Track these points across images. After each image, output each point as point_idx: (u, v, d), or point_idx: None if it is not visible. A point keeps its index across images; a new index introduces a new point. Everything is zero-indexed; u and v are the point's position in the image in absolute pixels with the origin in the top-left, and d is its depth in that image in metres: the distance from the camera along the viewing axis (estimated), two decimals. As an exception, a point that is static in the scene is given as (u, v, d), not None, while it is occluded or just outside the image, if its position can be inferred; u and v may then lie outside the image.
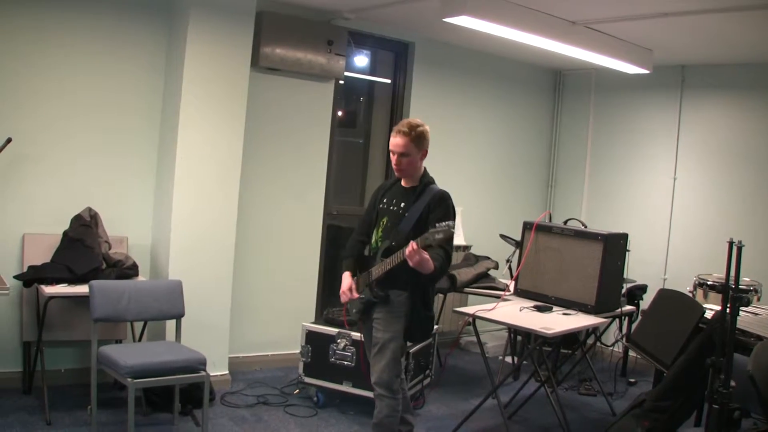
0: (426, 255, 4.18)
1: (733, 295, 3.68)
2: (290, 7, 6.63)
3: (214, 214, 6.18)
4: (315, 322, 6.25)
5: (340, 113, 7.57)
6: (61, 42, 5.81)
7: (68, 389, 5.73)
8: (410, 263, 4.18)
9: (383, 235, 4.60)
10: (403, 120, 4.64)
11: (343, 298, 4.70)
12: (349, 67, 7.38)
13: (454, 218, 4.44)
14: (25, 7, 5.64)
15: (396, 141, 4.49)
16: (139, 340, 5.88)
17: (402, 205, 4.56)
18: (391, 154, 4.56)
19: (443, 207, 4.47)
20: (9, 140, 5.41)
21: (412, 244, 4.13)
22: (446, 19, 5.71)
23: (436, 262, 4.26)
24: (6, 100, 5.63)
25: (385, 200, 4.69)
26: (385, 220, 4.62)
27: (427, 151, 4.59)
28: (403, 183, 4.67)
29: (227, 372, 6.36)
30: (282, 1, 6.53)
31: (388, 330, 4.50)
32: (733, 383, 3.64)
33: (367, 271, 4.62)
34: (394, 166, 4.58)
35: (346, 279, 4.71)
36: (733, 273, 3.72)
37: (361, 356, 5.31)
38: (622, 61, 6.81)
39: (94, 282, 5.14)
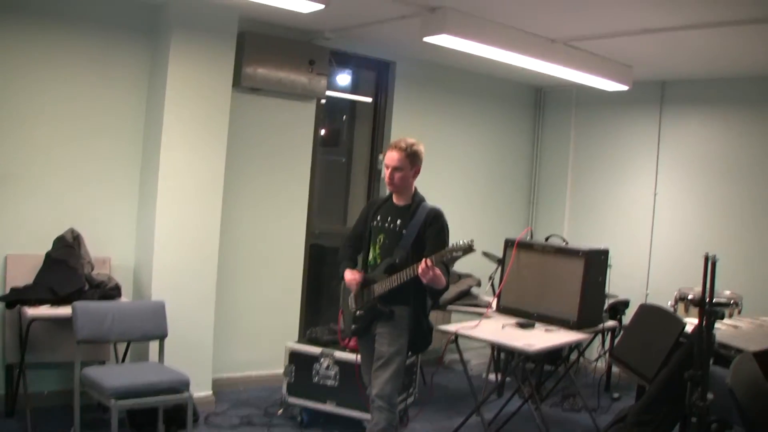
0: (438, 271, 4.27)
1: (709, 309, 3.72)
2: (272, 27, 6.66)
3: (196, 234, 6.18)
4: (298, 342, 6.26)
5: (322, 132, 7.60)
6: (43, 64, 5.82)
7: (51, 411, 5.68)
8: (424, 280, 4.27)
9: (382, 252, 4.67)
10: (401, 137, 4.73)
11: (353, 285, 4.72)
12: (331, 86, 7.41)
13: (448, 234, 4.60)
14: (7, 29, 5.65)
15: (391, 155, 4.61)
16: (122, 361, 5.88)
17: (398, 222, 4.65)
18: (384, 168, 4.68)
19: (438, 224, 4.59)
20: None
21: (426, 262, 4.23)
22: (426, 39, 5.76)
23: (445, 277, 4.37)
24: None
25: (378, 218, 4.76)
26: (381, 237, 4.70)
27: (419, 169, 4.70)
28: (395, 200, 4.75)
29: (211, 392, 6.34)
30: (263, 21, 6.56)
31: (393, 344, 4.55)
32: (711, 396, 3.67)
33: (366, 287, 4.66)
34: (386, 180, 4.67)
35: (349, 272, 4.77)
36: (708, 287, 3.76)
37: (357, 373, 5.31)
38: (602, 78, 6.87)
39: (77, 303, 5.15)
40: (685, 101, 7.78)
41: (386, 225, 4.70)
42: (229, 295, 6.64)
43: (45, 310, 5.30)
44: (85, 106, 6.02)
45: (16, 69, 5.73)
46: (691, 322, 5.14)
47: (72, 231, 5.82)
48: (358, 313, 4.73)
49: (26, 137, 5.79)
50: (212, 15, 6.09)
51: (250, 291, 6.93)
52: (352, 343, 5.57)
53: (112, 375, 4.92)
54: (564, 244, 6.18)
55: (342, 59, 7.46)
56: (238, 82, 6.43)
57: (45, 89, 5.84)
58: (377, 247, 4.72)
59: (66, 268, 5.61)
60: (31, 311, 5.25)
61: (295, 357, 6.08)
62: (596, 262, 5.98)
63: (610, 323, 6.38)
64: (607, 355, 7.12)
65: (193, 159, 6.13)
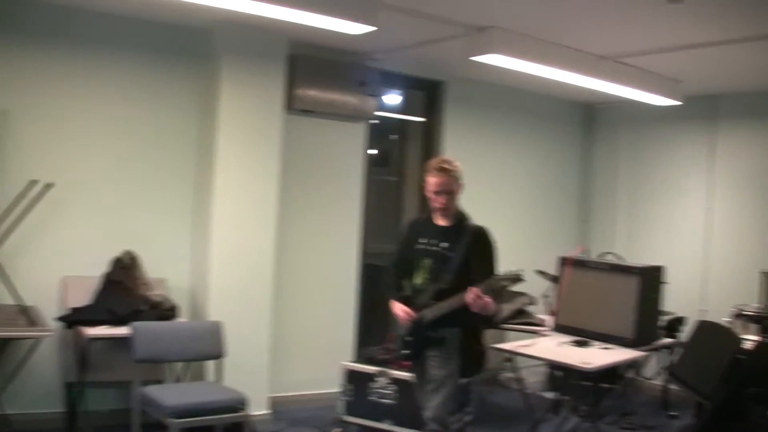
0: (487, 299, 4.25)
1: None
2: (321, 50, 6.72)
3: (251, 254, 6.26)
4: (354, 361, 6.28)
5: (373, 152, 7.64)
6: (99, 89, 5.97)
7: (110, 430, 5.77)
8: (473, 309, 4.26)
9: (430, 276, 4.59)
10: (435, 159, 4.71)
11: (405, 320, 4.65)
12: (381, 107, 7.46)
13: (496, 252, 4.54)
14: (63, 55, 5.81)
15: (440, 180, 4.53)
16: (180, 380, 5.94)
17: (444, 245, 4.56)
18: (431, 194, 4.59)
19: (486, 245, 4.54)
20: (49, 185, 5.54)
21: (475, 291, 4.22)
22: (473, 58, 5.78)
23: (496, 302, 4.36)
24: (46, 146, 5.78)
25: (423, 240, 4.67)
26: (428, 260, 4.61)
27: (460, 187, 4.65)
28: (438, 221, 4.67)
29: (268, 411, 6.38)
30: (313, 43, 6.62)
31: (445, 367, 4.52)
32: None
33: (417, 311, 4.61)
34: (438, 205, 4.59)
35: (399, 306, 4.70)
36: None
37: (414, 393, 5.30)
38: (652, 93, 6.84)
39: (135, 323, 5.24)
40: (738, 115, 7.69)
41: (432, 248, 4.61)
42: (284, 314, 6.68)
43: (103, 330, 5.39)
44: (140, 130, 6.16)
45: (74, 94, 5.89)
46: (749, 339, 5.09)
47: (129, 252, 5.92)
48: (408, 338, 4.70)
49: (83, 161, 5.93)
50: (262, 39, 6.18)
51: (305, 310, 6.96)
52: (407, 362, 5.56)
53: (170, 394, 4.98)
54: (618, 261, 6.14)
55: (392, 80, 7.49)
56: (289, 104, 6.51)
57: (101, 114, 5.99)
58: (424, 270, 4.63)
59: (123, 289, 5.72)
60: (90, 331, 5.34)
61: (351, 376, 6.10)
62: (651, 279, 5.93)
63: (666, 340, 6.31)
64: (665, 372, 7.03)
65: (247, 181, 6.21)
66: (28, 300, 5.47)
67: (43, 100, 5.78)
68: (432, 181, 4.57)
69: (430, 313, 4.51)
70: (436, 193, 4.56)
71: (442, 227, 4.65)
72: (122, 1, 5.59)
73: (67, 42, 5.83)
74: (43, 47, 5.75)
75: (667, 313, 6.79)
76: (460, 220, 4.63)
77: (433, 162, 4.66)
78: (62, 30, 5.81)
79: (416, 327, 4.61)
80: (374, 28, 5.12)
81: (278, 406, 6.61)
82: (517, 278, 4.23)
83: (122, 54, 6.05)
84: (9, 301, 5.44)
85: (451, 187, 4.55)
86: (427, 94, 7.94)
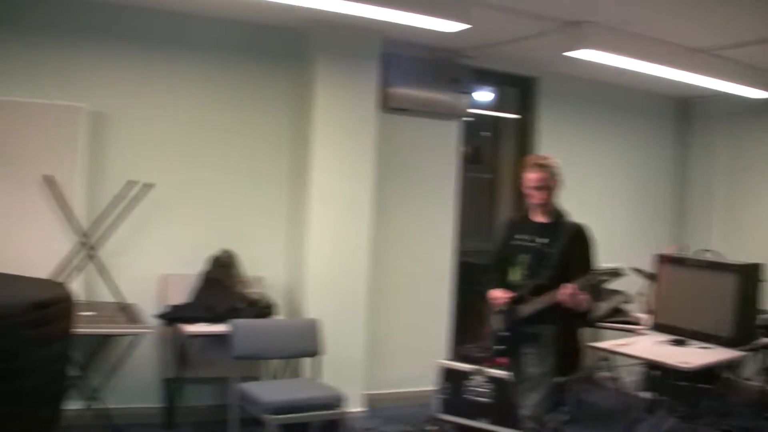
0: (583, 296, 4.25)
1: None
2: (414, 48, 6.73)
3: (347, 252, 6.32)
4: (449, 359, 6.28)
5: (466, 150, 7.61)
6: (194, 90, 6.12)
7: (208, 425, 5.89)
8: (567, 304, 4.26)
9: (528, 272, 4.59)
10: (532, 155, 4.71)
11: (500, 302, 4.66)
12: (474, 104, 7.44)
13: (594, 250, 4.52)
14: (158, 57, 5.99)
15: (534, 175, 4.55)
16: (276, 377, 6.02)
17: (542, 241, 4.56)
18: (529, 190, 4.60)
19: (584, 242, 4.52)
20: (149, 185, 5.71)
21: (570, 287, 4.22)
22: (567, 53, 5.73)
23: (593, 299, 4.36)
24: (144, 147, 5.94)
25: (520, 236, 4.69)
26: (526, 256, 4.61)
27: (559, 184, 4.64)
28: (536, 218, 4.67)
29: (363, 408, 6.43)
30: (406, 42, 6.63)
31: (541, 365, 4.52)
32: None
33: (511, 307, 4.62)
34: (536, 201, 4.60)
35: (497, 291, 4.69)
36: None
37: (503, 393, 5.29)
38: (748, 86, 6.68)
39: (234, 321, 5.34)
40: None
41: (530, 243, 4.62)
42: (379, 312, 6.71)
43: (202, 328, 5.51)
44: (235, 130, 6.28)
45: (170, 96, 6.06)
46: None
47: (226, 251, 6.03)
48: (503, 333, 4.69)
49: (179, 162, 6.08)
50: (355, 39, 6.22)
51: (400, 308, 6.98)
52: (504, 360, 5.54)
53: (268, 390, 5.07)
54: (716, 259, 6.01)
55: (485, 77, 7.47)
56: (383, 103, 6.54)
57: (197, 116, 6.14)
58: (521, 266, 4.63)
59: (221, 287, 5.84)
60: (189, 328, 5.47)
61: (447, 374, 6.10)
62: (750, 276, 5.80)
63: (765, 340, 6.16)
64: (764, 373, 6.86)
65: (343, 180, 6.28)
66: (128, 297, 5.64)
67: (140, 103, 5.94)
68: (529, 177, 4.58)
69: (527, 308, 4.51)
70: (534, 189, 4.57)
71: (540, 224, 4.64)
72: (218, 3, 5.68)
73: (161, 45, 5.98)
74: (139, 50, 5.91)
75: (767, 312, 6.63)
76: (558, 216, 4.62)
77: (531, 158, 4.70)
78: (158, 34, 5.97)
79: (511, 322, 4.61)
80: (469, 26, 5.12)
81: (373, 403, 6.64)
82: (616, 273, 4.20)
83: (218, 56, 6.18)
84: (110, 298, 5.61)
85: (548, 182, 4.55)
86: (520, 91, 7.89)
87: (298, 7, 4.95)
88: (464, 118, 7.29)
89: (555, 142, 7.57)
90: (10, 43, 5.53)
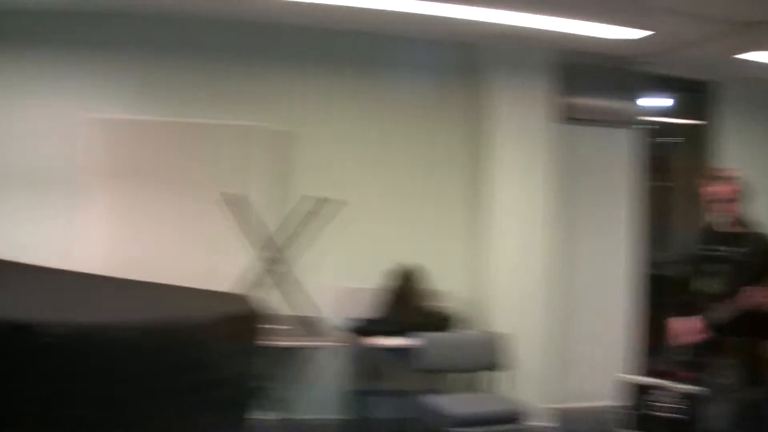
0: None
1: None
2: (586, 57, 6.63)
3: (530, 266, 6.34)
4: (635, 373, 6.13)
5: (647, 158, 7.43)
6: (374, 108, 6.32)
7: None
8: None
9: (721, 282, 4.47)
10: (713, 169, 4.63)
11: (685, 339, 4.62)
12: (652, 111, 7.28)
13: None
14: (337, 77, 6.21)
15: (722, 188, 4.50)
16: (458, 391, 6.05)
17: (736, 250, 4.47)
18: (715, 203, 4.54)
19: None
20: (340, 202, 5.90)
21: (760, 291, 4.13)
22: (737, 56, 5.52)
23: None
24: (327, 165, 6.17)
25: (711, 246, 4.60)
26: (716, 266, 4.52)
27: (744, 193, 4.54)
28: (727, 228, 4.55)
29: (548, 423, 6.38)
30: (579, 51, 6.56)
31: (731, 377, 4.42)
32: None
33: (706, 318, 4.50)
34: (729, 213, 4.52)
35: (685, 321, 4.62)
36: None
37: (695, 408, 5.13)
38: None
39: (420, 334, 5.41)
40: None
41: (723, 254, 4.52)
42: (562, 325, 6.65)
43: (387, 340, 5.63)
44: (415, 146, 6.42)
45: (350, 115, 6.28)
46: None
47: (409, 265, 6.14)
48: (690, 345, 4.59)
49: (362, 179, 6.27)
50: (528, 51, 6.23)
51: (582, 321, 6.87)
52: (691, 374, 5.37)
53: (452, 403, 5.11)
54: None
55: (661, 83, 7.28)
56: (560, 113, 6.50)
57: (377, 133, 6.32)
58: (713, 276, 4.53)
59: (405, 301, 5.97)
60: (374, 341, 5.62)
61: (634, 389, 5.95)
62: None
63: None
64: None
65: (523, 194, 6.31)
66: (313, 310, 5.81)
67: (322, 122, 6.16)
68: (719, 190, 4.52)
69: (719, 319, 4.38)
70: (726, 201, 4.50)
71: (731, 233, 4.53)
72: (396, 21, 5.78)
73: (339, 65, 6.19)
74: (318, 70, 6.15)
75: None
76: (749, 226, 4.52)
77: (714, 171, 4.72)
78: (339, 54, 6.20)
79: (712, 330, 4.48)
80: (652, 32, 5.00)
81: (557, 417, 6.57)
82: None
83: (395, 73, 6.30)
84: (295, 311, 5.79)
85: (733, 195, 4.48)
86: (700, 96, 7.61)
87: (473, 21, 4.98)
88: (643, 126, 7.13)
89: (740, 149, 7.29)
90: (196, 69, 5.88)
